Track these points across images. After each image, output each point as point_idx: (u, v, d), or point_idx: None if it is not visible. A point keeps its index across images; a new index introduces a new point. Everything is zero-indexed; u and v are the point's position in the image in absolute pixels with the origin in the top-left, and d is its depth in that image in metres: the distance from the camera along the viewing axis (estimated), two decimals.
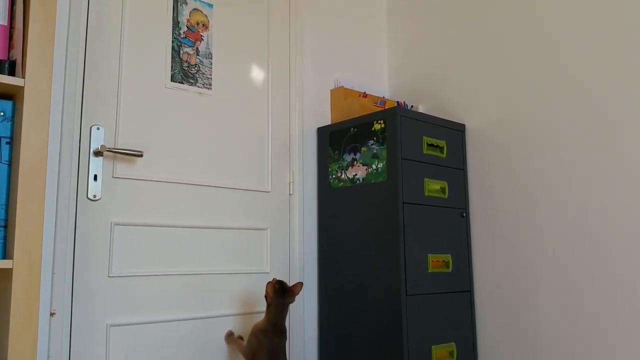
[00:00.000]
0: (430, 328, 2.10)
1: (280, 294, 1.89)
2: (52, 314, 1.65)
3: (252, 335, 1.89)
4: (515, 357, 2.14)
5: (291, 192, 2.33)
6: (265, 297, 1.90)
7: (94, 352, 1.74)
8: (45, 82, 1.31)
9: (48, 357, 1.63)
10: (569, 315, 2.01)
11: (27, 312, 1.29)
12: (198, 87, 2.08)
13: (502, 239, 2.23)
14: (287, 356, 1.90)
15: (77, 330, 1.71)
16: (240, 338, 2.07)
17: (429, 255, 2.14)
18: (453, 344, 2.16)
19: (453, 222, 2.27)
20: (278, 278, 1.98)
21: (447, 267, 2.21)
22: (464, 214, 2.32)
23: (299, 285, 1.95)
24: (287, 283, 1.96)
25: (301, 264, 2.30)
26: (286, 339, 1.90)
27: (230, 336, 2.04)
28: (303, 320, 2.27)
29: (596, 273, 1.95)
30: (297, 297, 2.24)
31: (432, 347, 2.08)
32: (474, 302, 2.29)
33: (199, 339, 1.98)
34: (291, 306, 2.25)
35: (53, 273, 1.66)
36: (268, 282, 1.91)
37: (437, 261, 2.17)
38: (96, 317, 1.76)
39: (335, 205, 2.32)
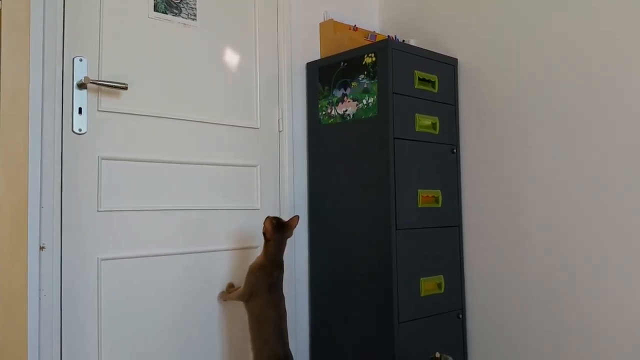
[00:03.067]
0: (419, 261, 2.13)
1: (278, 229, 1.90)
2: (41, 248, 1.64)
3: (250, 273, 1.90)
4: (501, 288, 2.19)
5: (280, 129, 2.30)
6: (264, 233, 1.90)
7: (85, 285, 1.75)
8: (23, 5, 1.25)
9: (39, 290, 1.63)
10: (557, 249, 2.04)
11: (15, 241, 1.28)
12: (182, 17, 2.01)
13: (492, 175, 2.23)
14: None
15: (67, 264, 1.71)
16: (231, 286, 2.09)
17: (418, 190, 2.14)
18: (441, 276, 2.20)
19: (443, 158, 2.27)
20: (272, 215, 1.98)
21: (437, 202, 2.22)
22: (455, 150, 2.31)
23: (296, 218, 1.96)
24: (282, 218, 1.96)
25: (291, 201, 2.30)
26: (284, 272, 1.93)
27: (221, 294, 2.05)
28: (294, 255, 2.29)
29: (586, 209, 1.97)
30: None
31: (421, 279, 2.12)
32: (462, 236, 2.32)
33: (190, 273, 2.00)
34: None
35: (41, 207, 1.64)
36: (267, 218, 1.91)
37: (427, 196, 2.18)
38: (87, 251, 1.75)
39: (325, 142, 2.30)
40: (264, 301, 1.86)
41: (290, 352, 1.88)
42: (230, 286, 2.08)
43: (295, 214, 2.05)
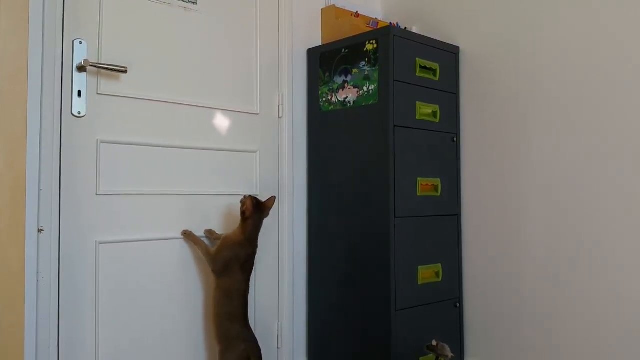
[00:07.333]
0: (417, 249, 2.13)
1: (257, 209, 1.92)
2: (40, 231, 1.64)
3: (226, 248, 1.90)
4: (499, 278, 2.20)
5: (280, 115, 2.29)
6: (244, 211, 1.91)
7: (83, 268, 1.75)
8: None
9: (37, 273, 1.63)
10: (555, 240, 2.04)
11: (14, 223, 1.28)
12: (183, 1, 1.99)
13: (492, 165, 2.23)
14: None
15: (65, 247, 1.71)
16: (212, 233, 2.03)
17: (418, 178, 2.14)
18: (439, 265, 2.21)
19: (443, 146, 2.26)
20: (250, 194, 1.97)
21: (436, 191, 2.21)
22: (455, 139, 2.31)
23: (272, 199, 1.98)
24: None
25: (290, 188, 2.30)
26: (256, 251, 1.96)
27: (189, 232, 1.99)
28: (292, 241, 2.29)
29: (586, 201, 1.97)
30: (287, 220, 2.26)
31: (419, 267, 2.12)
32: (461, 225, 2.32)
33: (188, 258, 2.00)
34: (280, 228, 2.27)
35: (40, 190, 1.63)
36: (248, 197, 1.92)
37: (427, 185, 2.17)
38: (85, 234, 1.75)
39: (325, 129, 2.29)
40: (237, 277, 1.88)
41: (251, 328, 1.91)
42: (211, 233, 2.03)
43: (273, 195, 2.02)
